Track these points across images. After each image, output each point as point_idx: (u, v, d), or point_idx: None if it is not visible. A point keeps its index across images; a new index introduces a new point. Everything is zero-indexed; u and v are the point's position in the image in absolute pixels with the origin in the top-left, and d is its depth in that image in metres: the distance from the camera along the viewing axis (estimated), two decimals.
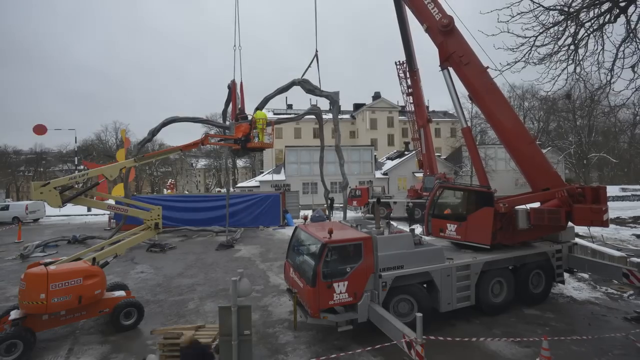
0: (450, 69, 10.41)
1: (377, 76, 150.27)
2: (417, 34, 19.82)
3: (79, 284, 7.60)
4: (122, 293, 9.08)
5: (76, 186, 9.05)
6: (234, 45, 14.93)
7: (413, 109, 26.02)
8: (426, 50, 14.27)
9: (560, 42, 7.71)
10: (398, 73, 26.57)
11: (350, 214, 29.41)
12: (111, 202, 10.08)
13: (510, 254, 9.14)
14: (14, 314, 7.48)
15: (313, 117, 15.87)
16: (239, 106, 14.21)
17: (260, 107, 13.35)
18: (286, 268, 8.82)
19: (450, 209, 10.13)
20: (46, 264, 7.82)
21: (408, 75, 25.26)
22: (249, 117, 12.48)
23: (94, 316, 8.33)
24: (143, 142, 12.88)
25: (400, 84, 26.56)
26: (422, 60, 24.42)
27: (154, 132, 12.07)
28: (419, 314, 5.33)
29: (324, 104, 14.06)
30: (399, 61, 26.29)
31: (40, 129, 34.19)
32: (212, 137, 11.89)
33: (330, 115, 14.36)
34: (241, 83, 14.63)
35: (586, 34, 7.51)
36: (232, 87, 14.55)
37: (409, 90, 25.76)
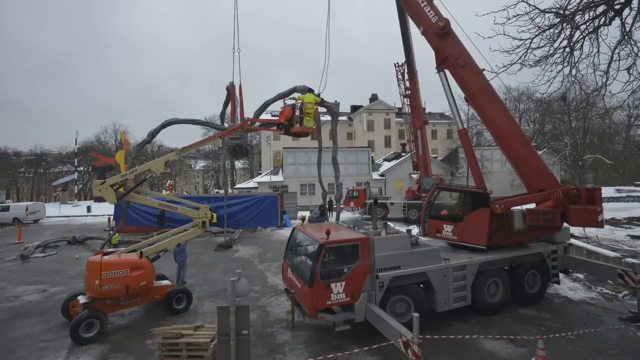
0: (447, 71, 10.50)
1: (375, 78, 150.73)
2: (417, 36, 19.96)
3: (126, 274, 8.25)
4: (167, 282, 9.98)
5: (126, 183, 9.55)
6: (233, 48, 14.94)
7: (410, 110, 26.17)
8: (423, 52, 14.36)
9: (555, 45, 7.79)
10: (397, 75, 26.71)
11: (348, 215, 29.49)
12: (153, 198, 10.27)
13: (506, 254, 9.22)
14: (82, 299, 8.39)
15: None
16: (238, 108, 14.21)
17: (259, 111, 13.33)
18: (284, 268, 8.87)
19: (447, 210, 10.21)
20: (105, 254, 8.53)
21: (407, 77, 25.39)
22: (295, 102, 11.89)
23: (147, 302, 9.24)
24: (142, 143, 12.78)
25: (399, 85, 26.70)
26: (419, 61, 24.56)
27: (154, 134, 12.01)
28: (416, 314, 5.38)
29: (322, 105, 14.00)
30: (398, 63, 26.43)
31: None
32: (252, 122, 11.56)
33: (328, 117, 14.38)
34: (240, 85, 14.65)
35: (581, 36, 7.58)
36: (230, 89, 14.55)
37: (407, 92, 25.89)
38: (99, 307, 8.14)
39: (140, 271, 8.51)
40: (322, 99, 12.99)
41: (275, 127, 12.13)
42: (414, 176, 32.03)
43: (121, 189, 9.23)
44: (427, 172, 26.06)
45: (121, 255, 8.78)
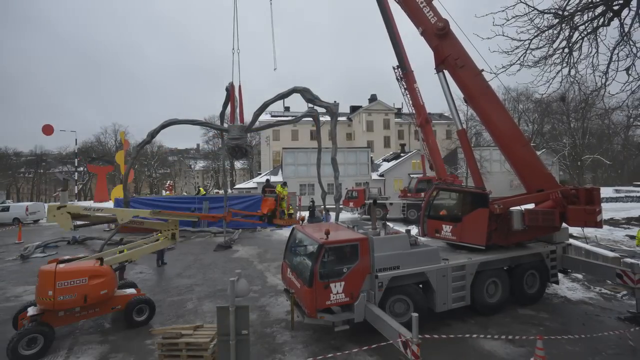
0: (446, 71, 10.52)
1: (374, 78, 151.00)
2: (409, 38, 19.92)
3: (84, 283, 7.63)
4: (132, 291, 9.19)
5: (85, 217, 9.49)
6: (232, 48, 14.96)
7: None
8: (422, 52, 14.37)
9: (554, 45, 7.83)
10: (396, 76, 26.71)
11: (347, 215, 29.50)
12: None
13: (505, 254, 9.23)
14: (31, 310, 7.67)
15: (310, 119, 15.90)
16: (237, 109, 14.22)
17: (259, 111, 13.32)
18: (283, 268, 8.87)
19: (446, 210, 10.23)
20: (61, 262, 8.03)
21: (403, 78, 25.41)
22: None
23: (107, 312, 8.49)
24: (142, 144, 12.79)
25: (400, 86, 26.70)
26: (418, 62, 24.60)
27: (153, 134, 12.03)
28: (415, 314, 5.39)
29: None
30: (397, 64, 26.45)
31: (48, 129, 37.57)
32: (235, 213, 12.06)
33: (327, 118, 14.38)
34: (239, 86, 14.66)
35: (580, 37, 7.62)
36: (230, 89, 14.57)
37: (407, 92, 25.91)
38: (48, 320, 7.50)
39: (100, 279, 7.87)
40: (321, 100, 13.03)
41: (259, 220, 12.54)
42: (414, 177, 32.05)
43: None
44: (439, 173, 24.93)
45: (79, 262, 8.27)
